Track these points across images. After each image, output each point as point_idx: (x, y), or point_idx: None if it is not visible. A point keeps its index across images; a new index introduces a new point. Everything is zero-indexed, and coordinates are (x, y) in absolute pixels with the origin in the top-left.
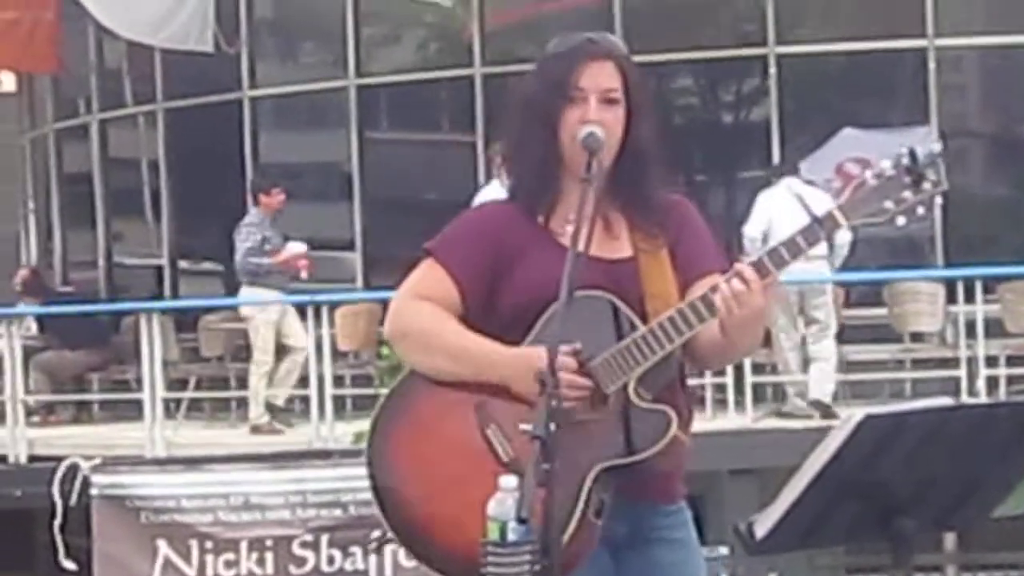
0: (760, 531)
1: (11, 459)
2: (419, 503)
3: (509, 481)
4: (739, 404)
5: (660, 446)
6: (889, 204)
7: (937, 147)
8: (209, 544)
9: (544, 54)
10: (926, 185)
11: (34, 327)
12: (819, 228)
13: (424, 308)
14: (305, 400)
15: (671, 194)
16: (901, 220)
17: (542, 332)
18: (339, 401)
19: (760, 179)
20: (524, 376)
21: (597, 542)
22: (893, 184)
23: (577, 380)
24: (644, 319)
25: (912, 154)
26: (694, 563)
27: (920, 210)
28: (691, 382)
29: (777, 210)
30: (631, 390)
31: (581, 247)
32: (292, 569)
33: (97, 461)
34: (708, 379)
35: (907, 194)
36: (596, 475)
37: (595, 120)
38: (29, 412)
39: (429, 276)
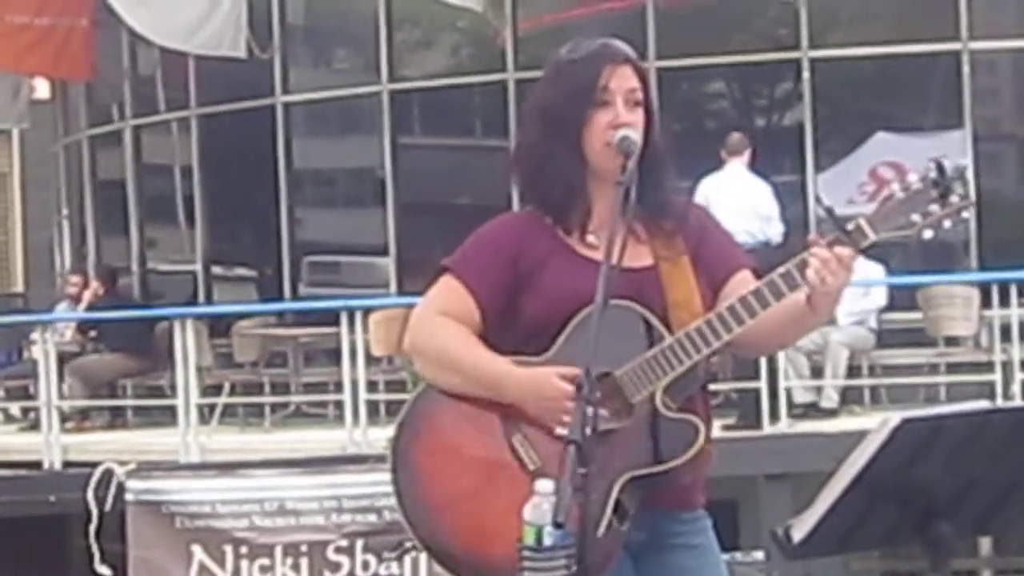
0: (797, 535)
1: (46, 465)
2: (443, 511)
3: (546, 485)
4: (773, 412)
5: (689, 455)
6: (916, 217)
7: (965, 161)
8: (244, 549)
9: (556, 61)
10: (953, 199)
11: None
12: (847, 240)
13: (442, 325)
14: (339, 405)
15: (684, 198)
16: (928, 233)
17: (570, 341)
18: (372, 406)
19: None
20: (533, 399)
21: (621, 549)
22: (920, 198)
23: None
24: (668, 328)
25: (940, 168)
26: (713, 568)
27: (947, 224)
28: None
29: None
30: (658, 400)
31: (615, 256)
32: (327, 574)
33: (132, 466)
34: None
35: (934, 207)
36: (624, 484)
37: (627, 122)
38: (64, 418)
39: (448, 293)
